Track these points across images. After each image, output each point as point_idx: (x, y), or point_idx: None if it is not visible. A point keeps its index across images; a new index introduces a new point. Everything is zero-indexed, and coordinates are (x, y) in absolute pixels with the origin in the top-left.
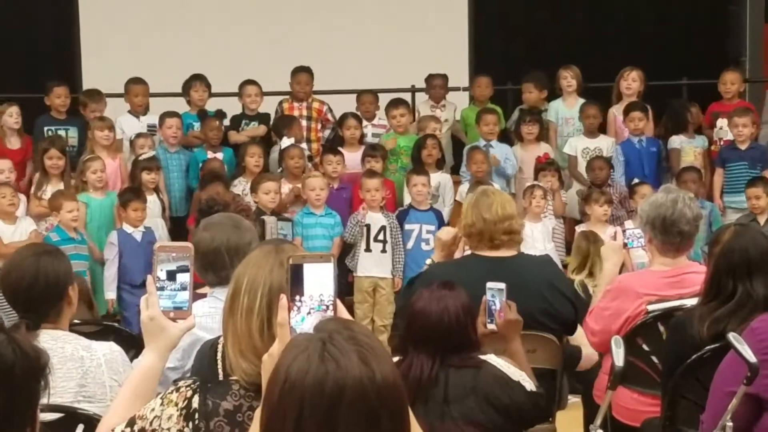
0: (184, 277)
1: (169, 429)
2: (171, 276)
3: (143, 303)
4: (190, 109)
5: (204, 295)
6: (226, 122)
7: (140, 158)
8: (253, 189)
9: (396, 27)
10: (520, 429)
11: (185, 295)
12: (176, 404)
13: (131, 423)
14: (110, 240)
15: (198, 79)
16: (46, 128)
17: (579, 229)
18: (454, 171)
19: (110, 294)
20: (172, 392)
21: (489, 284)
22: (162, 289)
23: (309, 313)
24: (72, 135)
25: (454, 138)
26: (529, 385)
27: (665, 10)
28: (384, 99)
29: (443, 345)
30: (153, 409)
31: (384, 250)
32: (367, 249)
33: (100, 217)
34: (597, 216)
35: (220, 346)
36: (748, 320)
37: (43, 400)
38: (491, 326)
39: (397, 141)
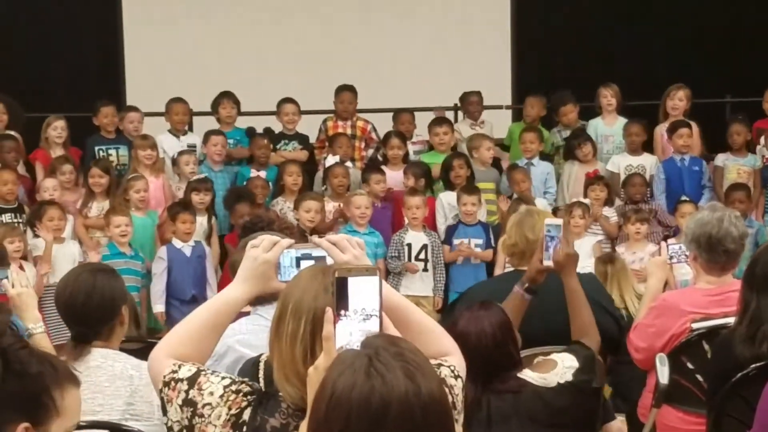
0: (305, 264)
1: (215, 426)
2: (297, 262)
3: (269, 242)
4: (220, 126)
5: (247, 313)
6: None
7: (192, 179)
8: (296, 207)
9: (439, 47)
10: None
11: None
12: (229, 408)
13: (192, 380)
14: (159, 254)
15: (226, 96)
16: (96, 148)
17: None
18: None
19: (159, 307)
20: (233, 392)
21: (547, 220)
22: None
23: (352, 333)
24: (123, 153)
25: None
26: (571, 373)
27: (708, 27)
28: (426, 117)
29: (485, 368)
30: (212, 393)
31: (426, 269)
32: None
33: (142, 236)
34: (631, 234)
35: (261, 364)
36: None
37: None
38: (547, 263)
39: (437, 159)
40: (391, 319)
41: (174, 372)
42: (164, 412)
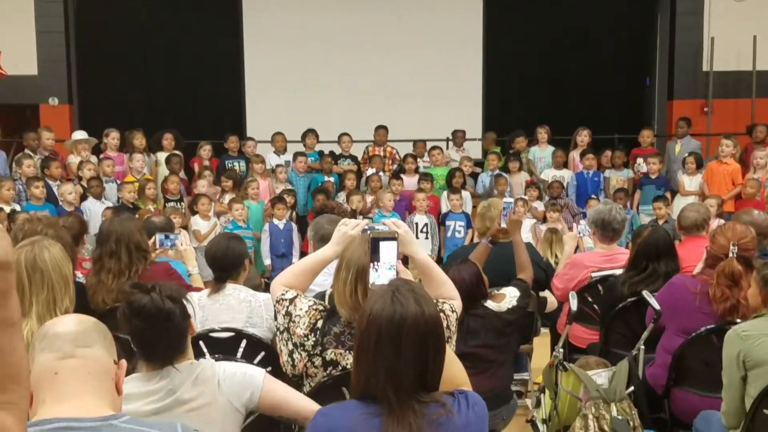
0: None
1: (298, 327)
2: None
3: (355, 223)
4: (305, 149)
5: None
6: None
7: (284, 188)
8: (348, 199)
9: (440, 100)
10: (515, 338)
11: None
12: (310, 317)
13: (292, 300)
14: (265, 228)
15: (311, 131)
16: (226, 161)
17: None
18: None
19: (267, 261)
20: (314, 309)
21: (504, 200)
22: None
23: (380, 276)
24: (242, 166)
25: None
26: (515, 300)
27: (606, 90)
28: (430, 144)
29: (465, 300)
30: (302, 308)
31: (427, 238)
32: (416, 237)
33: (255, 216)
34: (552, 219)
35: (326, 296)
36: (653, 285)
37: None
38: (503, 224)
39: (437, 171)
40: (423, 273)
41: (283, 294)
42: (275, 318)
